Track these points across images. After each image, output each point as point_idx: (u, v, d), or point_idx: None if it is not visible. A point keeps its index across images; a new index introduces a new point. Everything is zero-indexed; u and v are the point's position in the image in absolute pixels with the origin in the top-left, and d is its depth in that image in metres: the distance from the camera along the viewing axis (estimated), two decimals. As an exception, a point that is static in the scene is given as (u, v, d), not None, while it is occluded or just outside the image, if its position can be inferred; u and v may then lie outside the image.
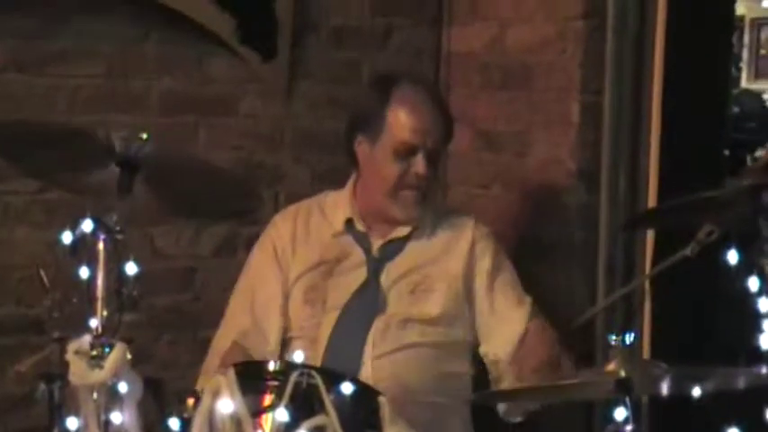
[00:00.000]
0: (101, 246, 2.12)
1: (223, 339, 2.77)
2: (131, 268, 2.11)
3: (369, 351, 2.65)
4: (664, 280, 2.90)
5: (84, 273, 2.11)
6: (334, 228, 2.79)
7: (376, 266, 2.75)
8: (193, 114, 3.28)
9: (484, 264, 2.77)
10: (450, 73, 3.58)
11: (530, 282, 3.32)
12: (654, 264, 3.10)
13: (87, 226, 2.11)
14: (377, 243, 2.78)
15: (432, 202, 2.81)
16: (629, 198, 3.22)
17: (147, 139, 2.24)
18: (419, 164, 2.68)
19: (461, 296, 2.74)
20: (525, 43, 3.36)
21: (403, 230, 2.77)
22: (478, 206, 3.46)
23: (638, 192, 3.22)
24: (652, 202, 3.20)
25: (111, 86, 3.17)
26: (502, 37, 3.42)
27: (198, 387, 2.27)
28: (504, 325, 2.72)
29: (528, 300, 2.80)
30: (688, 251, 2.69)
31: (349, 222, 2.79)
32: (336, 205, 2.82)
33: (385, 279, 2.75)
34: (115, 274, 2.12)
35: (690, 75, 3.22)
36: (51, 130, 3.00)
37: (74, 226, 2.11)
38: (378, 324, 2.69)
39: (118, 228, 2.13)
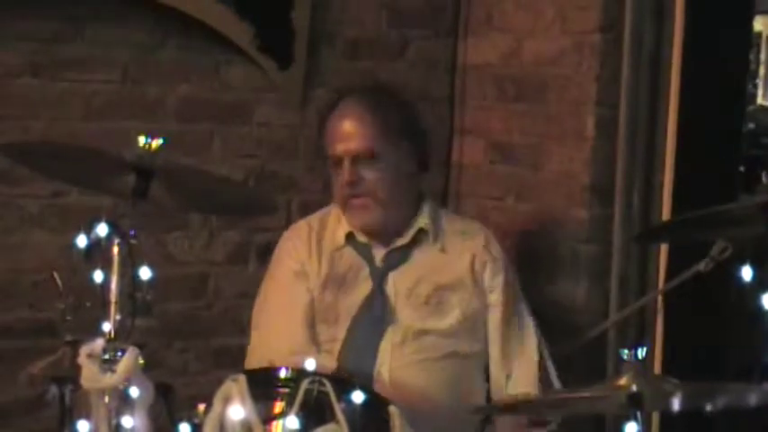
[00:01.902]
0: (115, 250, 2.12)
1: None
2: (145, 273, 2.12)
3: (383, 362, 2.64)
4: (677, 295, 2.89)
5: (98, 277, 2.11)
6: (336, 243, 2.79)
7: (380, 276, 2.75)
8: (209, 122, 3.29)
9: (496, 288, 2.76)
10: (465, 85, 3.58)
11: (542, 295, 3.32)
12: (667, 279, 3.09)
13: (102, 230, 2.11)
14: (380, 253, 2.77)
15: (432, 209, 2.79)
16: (642, 213, 3.22)
17: (162, 146, 2.25)
18: (344, 171, 2.69)
19: (476, 307, 2.74)
20: (541, 56, 3.36)
21: (404, 239, 2.76)
22: (491, 218, 3.46)
23: (652, 207, 3.22)
24: (666, 217, 3.19)
25: (127, 93, 3.18)
26: (517, 49, 3.43)
27: None
28: (520, 369, 2.75)
29: (533, 349, 2.78)
30: (702, 267, 2.69)
31: (350, 235, 2.79)
32: (338, 219, 2.82)
33: (391, 288, 2.74)
34: (129, 278, 2.12)
35: (706, 90, 3.21)
36: (69, 135, 3.03)
37: (89, 230, 2.11)
38: (393, 336, 2.68)
39: (132, 233, 2.14)
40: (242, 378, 2.16)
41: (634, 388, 2.01)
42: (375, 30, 3.50)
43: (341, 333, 2.71)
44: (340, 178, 2.70)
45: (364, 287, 2.75)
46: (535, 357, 2.75)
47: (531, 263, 3.36)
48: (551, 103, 3.34)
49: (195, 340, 3.27)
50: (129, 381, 2.06)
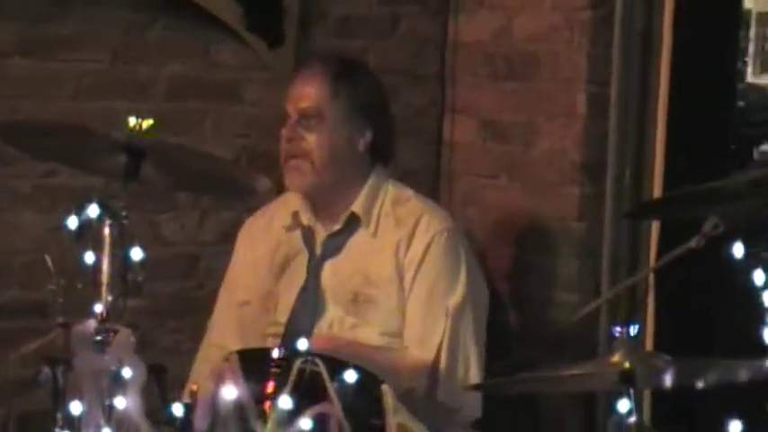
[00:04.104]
0: (106, 231, 2.12)
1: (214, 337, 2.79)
2: (136, 254, 2.11)
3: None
4: (668, 272, 2.90)
5: (89, 258, 2.11)
6: (283, 224, 2.74)
7: (316, 266, 2.68)
8: (199, 101, 3.28)
9: (410, 265, 2.62)
10: (455, 62, 3.57)
11: (534, 272, 3.32)
12: (659, 256, 3.10)
13: (93, 211, 2.11)
14: (320, 238, 2.70)
15: (373, 190, 2.68)
16: (634, 190, 3.22)
17: (153, 126, 2.24)
18: (286, 128, 2.64)
19: (400, 306, 2.61)
20: (532, 33, 3.35)
21: (338, 224, 2.68)
22: (484, 196, 3.46)
23: (644, 184, 3.22)
24: (657, 194, 3.20)
25: (117, 72, 3.16)
26: (508, 26, 3.42)
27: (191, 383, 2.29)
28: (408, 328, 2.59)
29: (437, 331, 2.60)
30: (693, 243, 2.69)
31: (296, 215, 2.73)
32: (287, 202, 2.77)
33: (325, 279, 2.66)
34: (120, 259, 2.12)
35: (697, 68, 3.21)
36: (59, 115, 3.02)
37: (79, 211, 2.11)
38: (318, 331, 2.62)
39: (123, 213, 2.13)
40: (234, 357, 2.16)
41: (626, 365, 2.02)
42: (365, 7, 3.48)
43: (282, 317, 2.68)
44: (282, 134, 2.65)
45: (301, 276, 2.69)
46: (432, 348, 2.58)
47: (523, 240, 3.36)
48: (542, 80, 3.33)
49: (187, 321, 3.26)
50: (121, 361, 2.06)
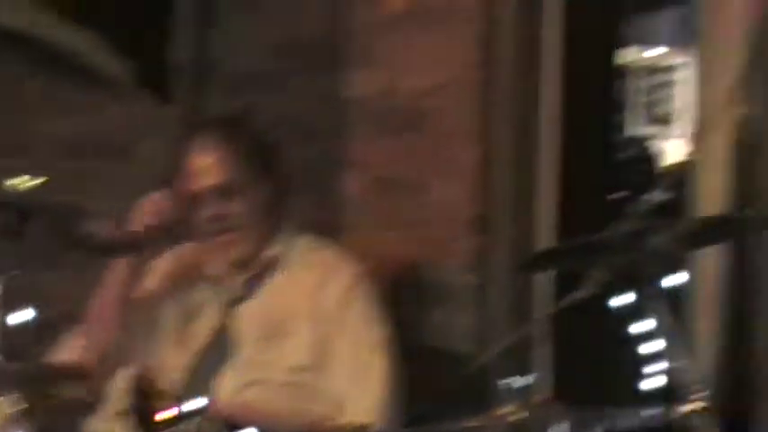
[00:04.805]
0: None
1: None
2: (25, 315, 2.07)
3: (220, 391, 2.58)
4: (560, 323, 2.94)
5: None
6: (193, 274, 2.75)
7: (228, 310, 2.70)
8: (88, 158, 3.24)
9: (337, 314, 2.66)
10: (347, 118, 3.60)
11: (426, 325, 3.34)
12: (553, 306, 3.14)
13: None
14: (235, 283, 2.72)
15: (287, 236, 2.74)
16: (523, 242, 3.27)
17: (37, 184, 2.20)
18: (208, 207, 2.64)
19: (313, 344, 2.63)
20: (419, 89, 3.40)
21: (254, 269, 2.71)
22: (377, 251, 3.47)
23: (534, 236, 3.27)
24: (548, 245, 3.25)
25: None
26: (397, 83, 3.46)
27: None
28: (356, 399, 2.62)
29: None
30: (580, 294, 2.74)
31: (208, 264, 2.74)
32: (197, 251, 2.77)
33: (237, 322, 2.69)
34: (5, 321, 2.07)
35: (580, 121, 3.29)
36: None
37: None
38: (227, 370, 2.63)
39: (13, 273, 2.09)
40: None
41: (518, 416, 2.03)
42: (257, 63, 3.49)
43: (188, 361, 2.68)
44: (203, 213, 2.64)
45: (212, 319, 2.71)
46: (374, 382, 2.64)
47: (417, 293, 3.38)
48: (431, 135, 3.38)
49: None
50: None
